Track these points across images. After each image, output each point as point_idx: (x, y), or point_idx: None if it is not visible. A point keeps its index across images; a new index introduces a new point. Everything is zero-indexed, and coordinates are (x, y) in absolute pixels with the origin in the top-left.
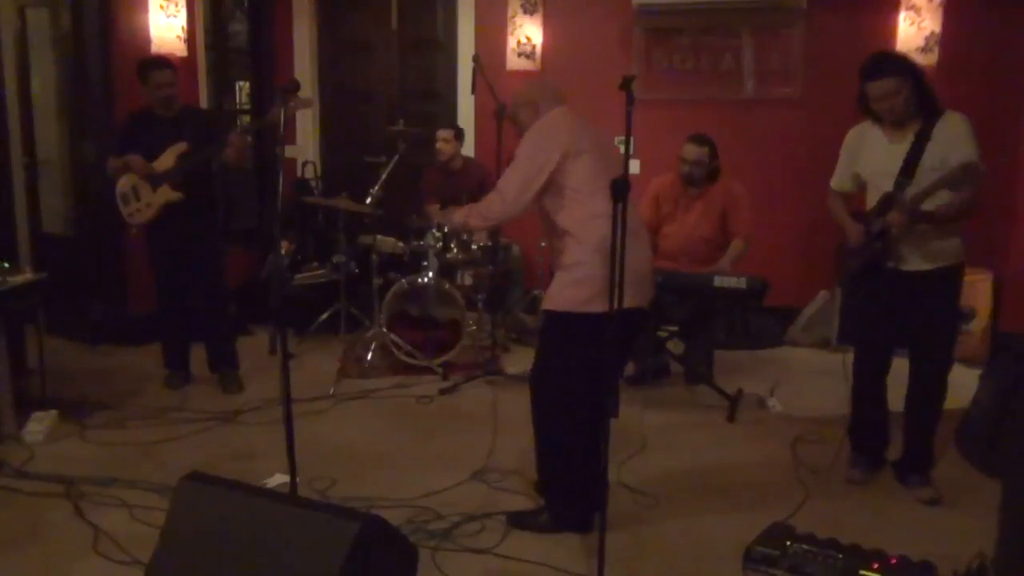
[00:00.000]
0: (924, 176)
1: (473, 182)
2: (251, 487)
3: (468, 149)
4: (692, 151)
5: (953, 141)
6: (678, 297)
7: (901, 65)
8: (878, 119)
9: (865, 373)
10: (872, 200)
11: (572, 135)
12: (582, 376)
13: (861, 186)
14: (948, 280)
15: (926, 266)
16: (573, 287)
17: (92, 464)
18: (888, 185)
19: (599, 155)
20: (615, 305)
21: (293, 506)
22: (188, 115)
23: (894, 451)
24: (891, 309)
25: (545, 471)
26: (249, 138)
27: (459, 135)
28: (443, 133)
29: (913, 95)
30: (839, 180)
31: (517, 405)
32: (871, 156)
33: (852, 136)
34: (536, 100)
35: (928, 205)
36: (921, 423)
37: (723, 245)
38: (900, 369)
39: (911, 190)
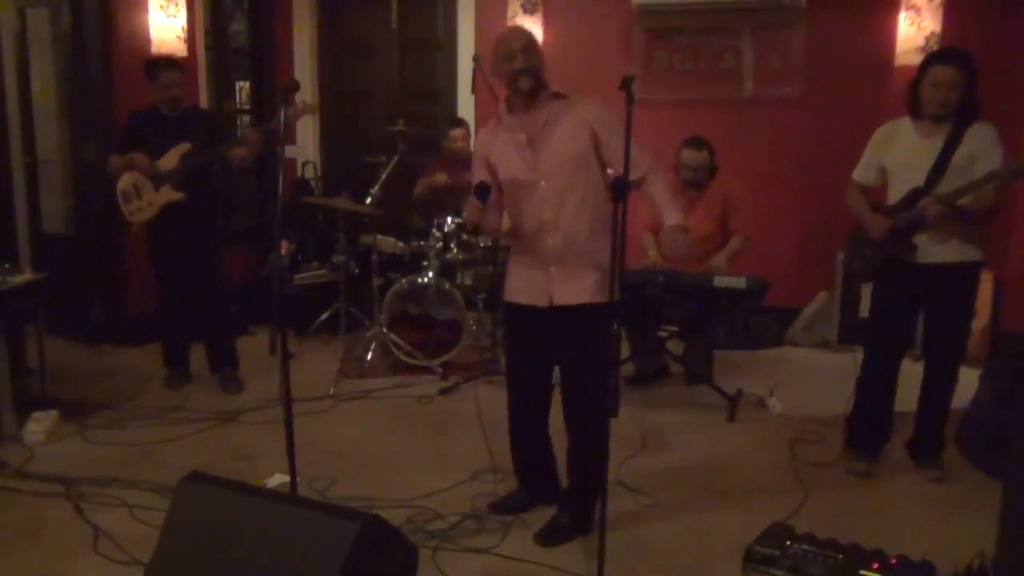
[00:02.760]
0: (951, 176)
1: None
2: (251, 487)
3: None
4: (692, 157)
5: (982, 145)
6: (678, 297)
7: (971, 62)
8: (917, 112)
9: (878, 364)
10: (895, 194)
11: None
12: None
13: (883, 180)
14: (969, 275)
15: (949, 260)
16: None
17: (92, 464)
18: (913, 179)
19: None
20: (615, 298)
21: (293, 506)
22: (192, 116)
23: (903, 436)
24: (911, 302)
25: (591, 473)
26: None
27: (468, 130)
28: (458, 132)
29: (964, 96)
30: (863, 173)
31: None
32: (900, 149)
33: (882, 130)
34: None
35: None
36: (935, 411)
37: (724, 243)
38: (903, 371)
39: (940, 188)
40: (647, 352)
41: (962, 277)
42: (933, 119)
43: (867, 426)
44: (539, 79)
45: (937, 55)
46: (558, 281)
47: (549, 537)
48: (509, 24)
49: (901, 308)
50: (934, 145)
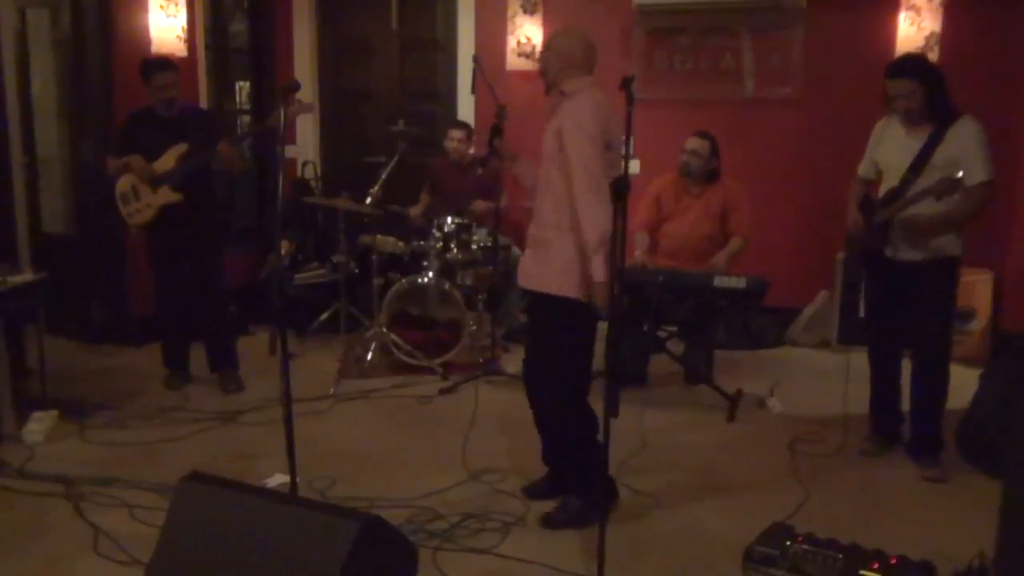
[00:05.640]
0: (931, 175)
1: (481, 179)
2: (251, 487)
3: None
4: (693, 142)
5: (963, 145)
6: (678, 297)
7: (920, 69)
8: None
9: (877, 356)
10: (885, 189)
11: (603, 125)
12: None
13: (879, 174)
14: (940, 272)
15: (919, 257)
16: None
17: (92, 464)
18: (896, 176)
19: (612, 152)
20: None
21: (293, 506)
22: (189, 116)
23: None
24: (894, 296)
25: (577, 458)
26: (246, 144)
27: (470, 134)
28: (455, 133)
29: (927, 99)
30: (863, 167)
31: (517, 405)
32: (888, 147)
33: (878, 126)
34: (578, 64)
35: (918, 210)
36: (925, 408)
37: (723, 243)
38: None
39: (914, 189)
40: (644, 353)
41: (936, 273)
42: (910, 122)
43: (881, 415)
44: (546, 80)
45: (887, 70)
46: (526, 265)
47: (552, 522)
48: (509, 24)
49: (886, 301)
50: (916, 144)
